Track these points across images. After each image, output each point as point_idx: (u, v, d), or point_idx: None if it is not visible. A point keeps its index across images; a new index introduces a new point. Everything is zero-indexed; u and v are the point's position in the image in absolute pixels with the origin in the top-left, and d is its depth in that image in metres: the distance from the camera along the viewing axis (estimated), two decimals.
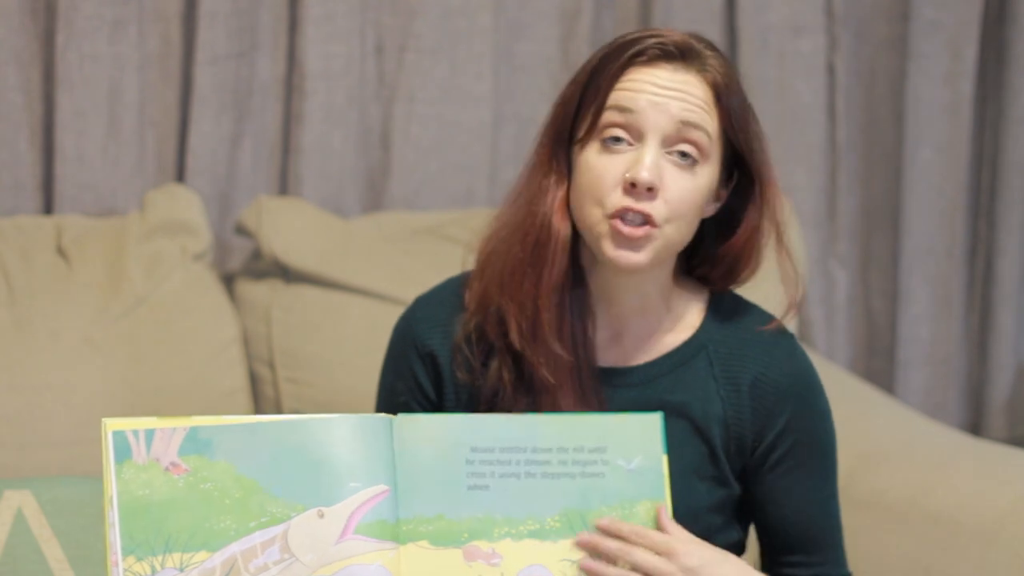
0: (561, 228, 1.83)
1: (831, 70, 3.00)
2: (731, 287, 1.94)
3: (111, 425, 1.65)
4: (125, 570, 1.62)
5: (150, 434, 1.65)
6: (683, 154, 1.80)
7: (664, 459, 1.79)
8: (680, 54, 1.81)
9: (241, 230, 2.60)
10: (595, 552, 1.75)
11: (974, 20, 3.04)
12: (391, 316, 2.03)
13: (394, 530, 1.69)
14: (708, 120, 1.81)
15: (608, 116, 1.80)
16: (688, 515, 1.81)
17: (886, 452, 2.53)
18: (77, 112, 2.59)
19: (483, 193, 2.81)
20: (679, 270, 1.91)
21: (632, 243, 1.78)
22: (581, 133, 1.82)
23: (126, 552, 1.63)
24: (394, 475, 1.70)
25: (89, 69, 2.59)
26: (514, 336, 1.84)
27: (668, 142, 1.79)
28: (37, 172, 2.62)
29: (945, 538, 2.33)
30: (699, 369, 1.89)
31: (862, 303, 3.14)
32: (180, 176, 2.69)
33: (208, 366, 2.46)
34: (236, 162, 2.70)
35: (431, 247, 2.61)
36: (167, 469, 1.65)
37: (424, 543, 1.70)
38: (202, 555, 1.64)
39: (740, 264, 1.90)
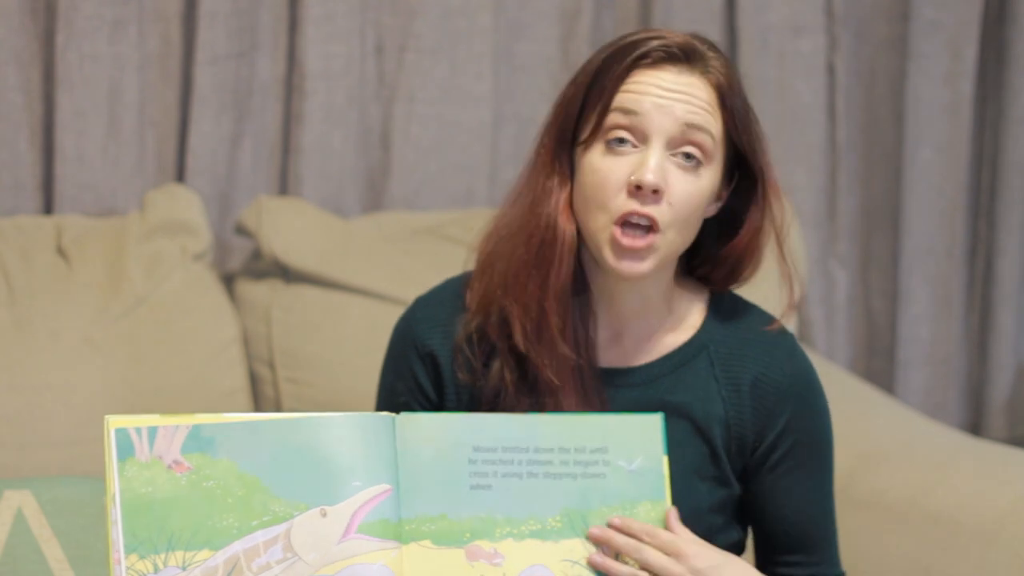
0: (567, 229, 1.83)
1: (831, 70, 3.01)
2: (732, 287, 1.94)
3: (114, 422, 1.65)
4: (128, 568, 1.62)
5: (153, 431, 1.65)
6: (687, 155, 1.80)
7: (665, 460, 1.79)
8: (684, 56, 1.81)
9: (241, 230, 2.60)
10: (605, 547, 1.75)
11: (974, 20, 3.04)
12: (391, 316, 2.03)
13: (396, 529, 1.69)
14: (712, 122, 1.81)
15: (612, 118, 1.80)
16: (690, 515, 1.81)
17: (886, 452, 2.53)
18: (77, 112, 2.59)
19: (483, 193, 2.81)
20: (680, 270, 1.91)
21: (635, 253, 1.79)
22: (585, 135, 1.82)
23: (128, 550, 1.63)
24: (396, 474, 1.70)
25: (89, 69, 2.59)
26: (518, 338, 1.84)
27: (672, 144, 1.79)
28: (37, 172, 2.62)
29: (945, 538, 2.33)
30: (700, 369, 1.89)
31: (862, 303, 3.14)
32: (180, 176, 2.69)
33: (208, 366, 2.45)
34: (236, 162, 2.70)
35: (431, 247, 2.61)
36: (170, 467, 1.65)
37: (426, 542, 1.70)
38: (204, 553, 1.64)
39: (742, 265, 1.90)
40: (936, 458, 2.48)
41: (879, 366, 3.15)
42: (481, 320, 1.88)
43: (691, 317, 1.91)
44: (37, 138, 2.61)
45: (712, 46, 1.84)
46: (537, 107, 2.79)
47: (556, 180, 1.84)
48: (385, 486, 1.69)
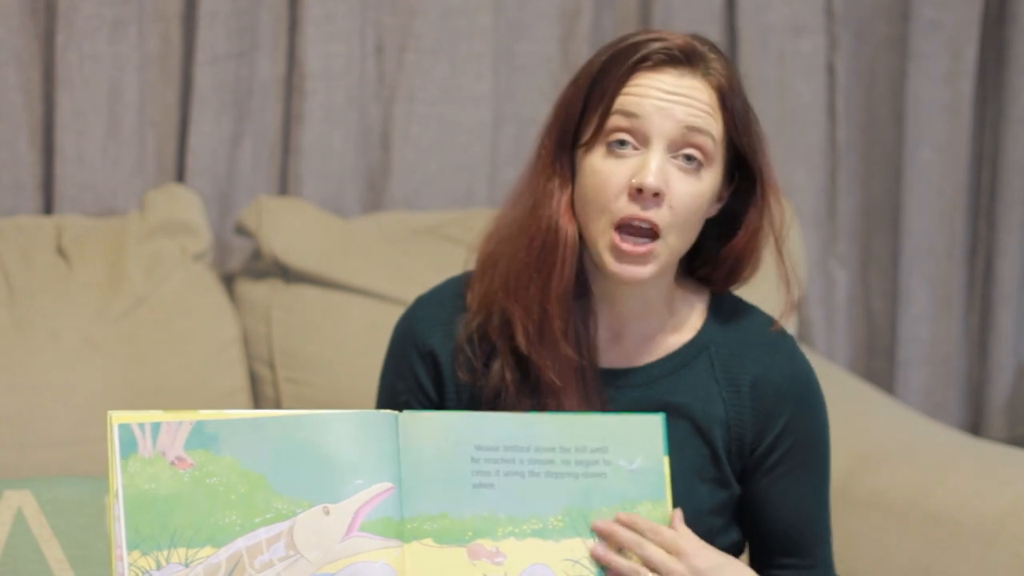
0: (568, 231, 1.82)
1: (831, 70, 3.01)
2: (732, 288, 1.94)
3: (117, 418, 1.64)
4: (130, 565, 1.62)
5: (156, 427, 1.65)
6: (688, 158, 1.80)
7: (665, 460, 1.79)
8: (685, 58, 1.81)
9: (241, 230, 2.60)
10: (610, 540, 1.75)
11: (974, 20, 3.04)
12: (391, 316, 2.03)
13: (399, 528, 1.69)
14: (713, 124, 1.81)
15: (613, 121, 1.80)
16: (690, 517, 1.81)
17: (886, 452, 2.53)
18: (77, 112, 2.59)
19: (483, 193, 2.81)
20: (681, 271, 1.91)
21: (636, 258, 1.79)
22: (585, 137, 1.82)
23: (131, 546, 1.62)
24: (399, 472, 1.70)
25: (89, 69, 2.59)
26: (520, 339, 1.84)
27: (673, 147, 1.79)
28: (37, 172, 2.62)
29: (945, 538, 2.33)
30: (701, 371, 1.89)
31: (862, 303, 3.14)
32: (180, 176, 2.69)
33: (208, 366, 2.45)
34: (236, 162, 2.70)
35: (431, 247, 2.61)
36: (173, 463, 1.65)
37: (428, 541, 1.70)
38: (207, 550, 1.64)
39: (741, 265, 1.90)
40: (936, 458, 2.48)
41: (879, 366, 3.15)
42: (482, 320, 1.89)
43: (692, 318, 1.91)
44: (37, 138, 2.61)
45: (713, 47, 1.84)
46: (537, 107, 2.79)
47: (557, 182, 1.84)
48: (387, 484, 1.69)
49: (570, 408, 1.83)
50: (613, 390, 1.87)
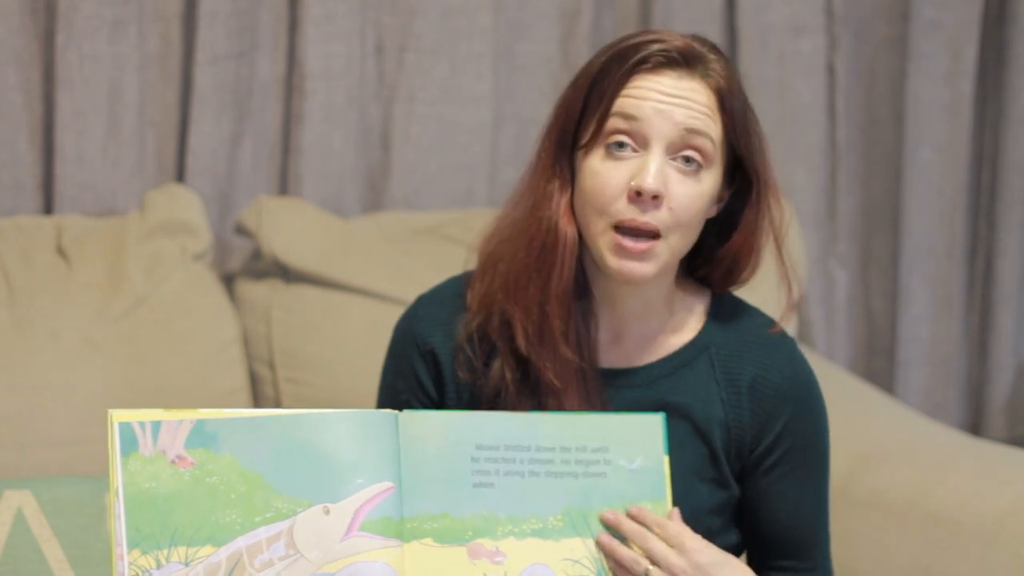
0: (568, 232, 1.82)
1: (831, 70, 3.01)
2: (731, 288, 1.94)
3: (117, 416, 1.64)
4: (130, 563, 1.62)
5: (156, 426, 1.65)
6: (687, 160, 1.80)
7: (665, 460, 1.79)
8: (684, 60, 1.81)
9: (241, 230, 2.60)
10: (615, 530, 1.76)
11: (974, 20, 3.04)
12: (391, 316, 2.03)
13: (399, 527, 1.69)
14: (712, 126, 1.81)
15: (613, 123, 1.80)
16: (689, 517, 1.81)
17: (886, 452, 2.53)
18: (77, 112, 2.59)
19: (483, 193, 2.81)
20: (681, 272, 1.91)
21: (636, 255, 1.79)
22: (585, 139, 1.82)
23: (131, 545, 1.62)
24: (399, 472, 1.70)
25: (89, 69, 2.59)
26: (520, 340, 1.84)
27: (672, 149, 1.79)
28: (37, 172, 2.62)
29: (945, 538, 2.33)
30: (701, 371, 1.89)
31: (862, 303, 3.14)
32: (180, 176, 2.69)
33: (208, 366, 2.45)
34: (236, 162, 2.70)
35: (431, 247, 2.61)
36: (173, 462, 1.65)
37: (428, 540, 1.70)
38: (207, 549, 1.64)
39: (739, 265, 1.90)
40: (936, 458, 2.48)
41: (879, 366, 3.15)
42: (482, 320, 1.89)
43: (692, 319, 1.91)
44: (37, 138, 2.61)
45: (713, 48, 1.84)
46: (537, 107, 2.79)
47: (557, 184, 1.84)
48: (387, 484, 1.69)
49: (570, 408, 1.83)
50: (613, 390, 1.87)
